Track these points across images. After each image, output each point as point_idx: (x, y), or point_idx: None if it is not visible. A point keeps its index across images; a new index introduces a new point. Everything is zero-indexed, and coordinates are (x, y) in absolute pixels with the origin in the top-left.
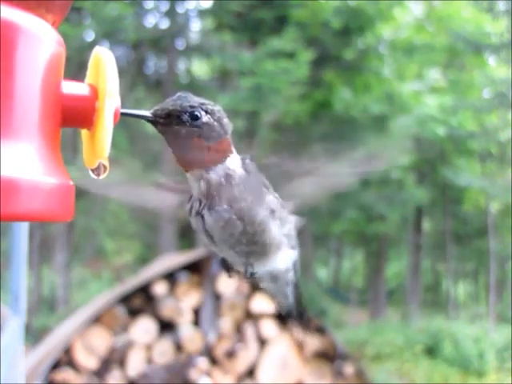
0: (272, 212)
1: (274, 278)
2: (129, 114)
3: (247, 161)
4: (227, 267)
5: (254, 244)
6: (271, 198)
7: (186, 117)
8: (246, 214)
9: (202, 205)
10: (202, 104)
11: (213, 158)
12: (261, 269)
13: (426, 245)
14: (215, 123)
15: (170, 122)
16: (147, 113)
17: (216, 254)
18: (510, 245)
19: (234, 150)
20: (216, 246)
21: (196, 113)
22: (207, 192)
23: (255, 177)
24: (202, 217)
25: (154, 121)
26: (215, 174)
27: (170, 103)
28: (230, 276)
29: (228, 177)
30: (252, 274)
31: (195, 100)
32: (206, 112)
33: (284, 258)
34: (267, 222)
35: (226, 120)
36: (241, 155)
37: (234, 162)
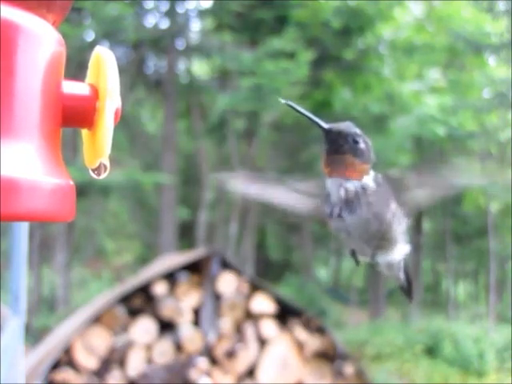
0: (394, 215)
1: (390, 266)
2: (308, 117)
3: (378, 175)
4: (355, 257)
5: (382, 239)
6: (393, 204)
7: (350, 138)
8: (378, 216)
9: (343, 208)
10: (362, 135)
11: (354, 173)
12: (382, 258)
13: (426, 245)
14: (366, 151)
15: (338, 137)
16: (325, 125)
17: (347, 247)
18: (510, 245)
19: (371, 172)
20: (351, 240)
21: (358, 139)
22: (345, 198)
23: (384, 188)
24: (342, 217)
25: (327, 131)
26: (351, 185)
27: (342, 126)
28: (357, 263)
29: (363, 188)
30: (376, 262)
31: (359, 131)
32: (364, 141)
33: (399, 251)
34: (392, 222)
35: (372, 153)
36: (374, 173)
37: (368, 179)
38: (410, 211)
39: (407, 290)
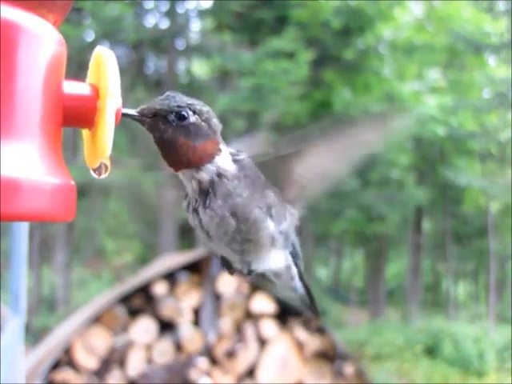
0: (269, 208)
1: (276, 274)
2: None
3: (240, 157)
4: (227, 265)
5: (248, 241)
6: (268, 193)
7: (172, 117)
8: (239, 211)
9: (198, 202)
10: (190, 104)
11: (200, 158)
12: (259, 266)
13: (426, 245)
14: (203, 123)
15: (156, 121)
16: (133, 111)
17: (214, 252)
18: (510, 245)
19: (224, 148)
20: (213, 243)
21: (183, 113)
22: (199, 190)
23: (249, 172)
24: (198, 214)
25: (140, 119)
26: (205, 173)
27: (157, 102)
28: (231, 273)
29: (220, 175)
30: (250, 272)
31: (183, 100)
32: (194, 112)
33: (282, 255)
34: (262, 218)
35: (214, 120)
36: (232, 152)
37: (224, 160)
38: (299, 199)
39: (309, 301)
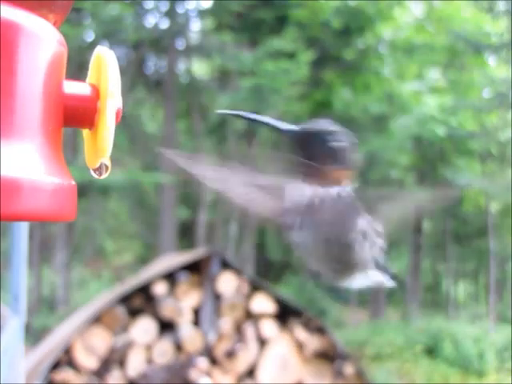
0: (364, 235)
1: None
2: (268, 125)
3: (348, 189)
4: (315, 277)
5: (344, 261)
6: (363, 222)
7: (327, 138)
8: (342, 234)
9: (303, 220)
10: (344, 133)
11: (330, 179)
12: (348, 283)
13: (426, 245)
14: (347, 153)
15: (306, 138)
16: (295, 127)
17: (310, 267)
18: (510, 245)
19: (348, 182)
20: (312, 260)
21: (338, 137)
22: (308, 210)
23: (353, 202)
24: (301, 230)
25: (286, 134)
26: (326, 193)
27: (318, 124)
28: (317, 285)
29: (335, 199)
30: (339, 286)
31: (340, 128)
32: (345, 142)
33: (370, 276)
34: (355, 243)
35: (355, 155)
36: (345, 185)
37: (340, 190)
38: (388, 231)
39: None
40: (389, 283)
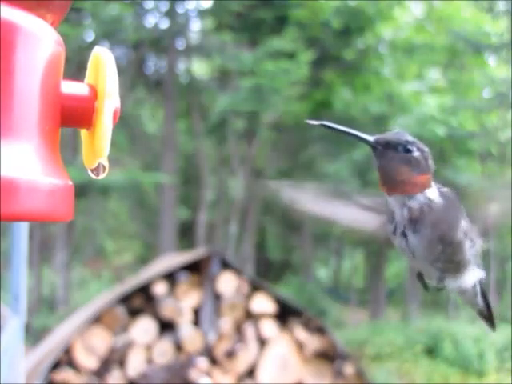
0: (465, 234)
1: (462, 291)
2: (352, 135)
3: (444, 189)
4: (423, 280)
5: (449, 262)
6: (465, 221)
7: (401, 148)
8: (445, 236)
9: (407, 227)
10: (416, 142)
11: (414, 187)
12: (452, 283)
13: None
14: (423, 159)
15: (387, 149)
16: (370, 138)
17: (414, 268)
18: (510, 245)
19: (433, 184)
20: (416, 261)
21: (409, 147)
22: (409, 217)
23: (452, 204)
24: (406, 237)
25: (374, 145)
26: (416, 202)
27: (391, 135)
28: (426, 288)
29: (428, 205)
30: (443, 287)
31: (411, 138)
32: (418, 149)
33: (471, 275)
34: (462, 243)
35: (431, 160)
36: (438, 185)
37: (432, 193)
38: (483, 230)
39: (488, 316)
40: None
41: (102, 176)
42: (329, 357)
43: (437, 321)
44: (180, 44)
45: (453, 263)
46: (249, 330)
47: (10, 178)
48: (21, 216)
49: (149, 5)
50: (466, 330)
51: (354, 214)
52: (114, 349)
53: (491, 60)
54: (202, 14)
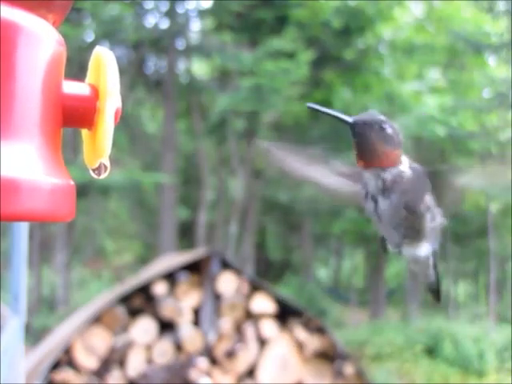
0: (428, 208)
1: (416, 260)
2: (332, 115)
3: (414, 165)
4: (384, 244)
5: (410, 229)
6: (428, 197)
7: (377, 126)
8: (410, 205)
9: (378, 194)
10: (388, 120)
11: (389, 161)
12: (407, 250)
13: None
14: (395, 135)
15: (364, 128)
16: (349, 118)
17: (379, 232)
18: (510, 245)
19: (404, 158)
20: (381, 225)
21: (383, 125)
22: (383, 187)
23: (420, 178)
24: (376, 202)
25: (353, 124)
26: (389, 174)
27: (366, 115)
28: (385, 251)
29: (400, 176)
30: (400, 253)
31: (383, 117)
32: (390, 126)
33: (427, 247)
34: (423, 215)
35: (401, 136)
36: (409, 160)
37: (404, 166)
38: (446, 211)
39: (435, 290)
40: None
41: (103, 176)
42: (329, 357)
43: (437, 321)
44: (180, 44)
45: (412, 231)
46: (249, 330)
47: (12, 178)
48: (22, 216)
49: (149, 5)
50: (465, 330)
51: (333, 179)
52: (114, 349)
53: (491, 60)
54: (202, 13)
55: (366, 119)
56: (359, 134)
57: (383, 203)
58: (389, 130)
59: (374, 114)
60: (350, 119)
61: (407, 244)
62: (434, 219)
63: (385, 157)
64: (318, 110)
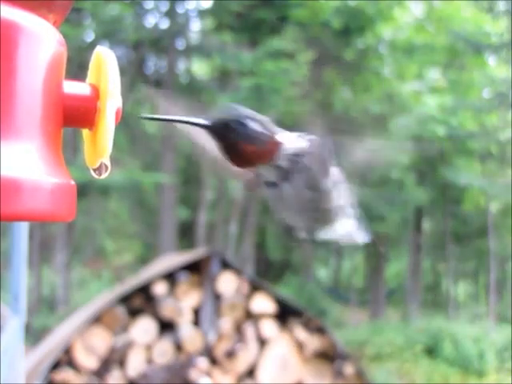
0: (334, 183)
1: (340, 240)
2: (180, 121)
3: (310, 137)
4: (290, 234)
5: (317, 211)
6: (334, 171)
7: (236, 125)
8: (311, 184)
9: (275, 177)
10: (248, 114)
11: (267, 157)
12: (321, 234)
13: (426, 245)
14: (261, 127)
15: (223, 129)
16: (205, 121)
17: (285, 221)
18: (510, 245)
19: (286, 136)
20: (286, 213)
21: (244, 121)
22: (277, 173)
23: (318, 151)
24: (275, 186)
25: (209, 128)
26: (279, 163)
27: (223, 114)
28: (294, 242)
29: (292, 158)
30: (313, 239)
31: (242, 110)
32: (252, 119)
33: (342, 226)
34: (329, 192)
35: (269, 122)
36: (301, 134)
37: (292, 145)
38: (354, 180)
39: (374, 243)
40: (362, 238)
41: (104, 176)
42: (329, 357)
43: (437, 321)
44: (180, 44)
45: (320, 212)
46: (249, 330)
47: (12, 178)
48: (23, 216)
49: (149, 5)
50: (465, 330)
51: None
52: (114, 349)
53: (491, 60)
54: (202, 14)
55: (225, 119)
56: (220, 138)
57: (283, 186)
58: (251, 124)
59: (231, 108)
60: (204, 122)
61: (319, 227)
62: (343, 193)
63: (261, 156)
64: (157, 119)
